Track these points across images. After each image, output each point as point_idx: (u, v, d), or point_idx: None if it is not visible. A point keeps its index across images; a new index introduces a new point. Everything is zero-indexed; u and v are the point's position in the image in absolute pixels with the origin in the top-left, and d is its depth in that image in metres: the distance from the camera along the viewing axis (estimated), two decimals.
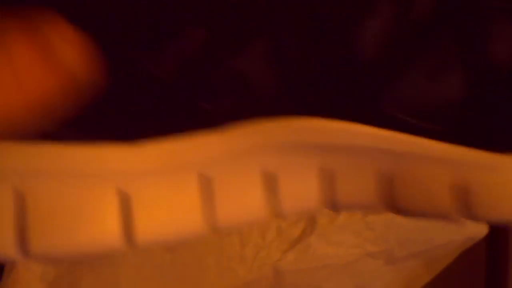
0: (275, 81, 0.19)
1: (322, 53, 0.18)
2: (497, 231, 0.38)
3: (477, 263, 0.41)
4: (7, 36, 0.16)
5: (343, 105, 0.20)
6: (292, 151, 0.21)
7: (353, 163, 0.21)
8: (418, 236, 0.38)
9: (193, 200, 0.21)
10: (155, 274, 0.37)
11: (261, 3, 0.18)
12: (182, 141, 0.20)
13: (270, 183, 0.22)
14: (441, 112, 0.20)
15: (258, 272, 0.38)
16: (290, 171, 0.22)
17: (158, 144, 0.20)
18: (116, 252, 0.20)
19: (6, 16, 0.17)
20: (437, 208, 0.21)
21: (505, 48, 0.19)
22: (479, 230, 0.38)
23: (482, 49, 0.19)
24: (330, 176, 0.22)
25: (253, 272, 0.38)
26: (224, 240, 0.37)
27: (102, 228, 0.19)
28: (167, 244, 0.20)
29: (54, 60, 0.16)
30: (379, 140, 0.20)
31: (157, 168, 0.20)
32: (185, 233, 0.21)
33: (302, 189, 0.22)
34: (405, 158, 0.21)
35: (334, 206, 0.22)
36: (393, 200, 0.22)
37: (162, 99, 0.19)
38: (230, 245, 0.37)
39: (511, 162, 0.20)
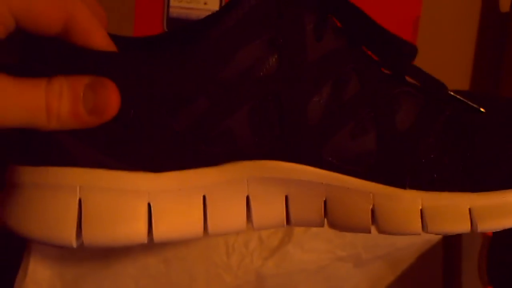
0: (253, 138, 0.27)
1: (283, 119, 0.27)
2: (451, 235, 0.42)
3: (435, 262, 0.44)
4: None
5: (297, 154, 0.28)
6: (265, 182, 0.28)
7: (304, 192, 0.29)
8: (382, 240, 0.43)
9: (196, 212, 0.28)
10: (151, 283, 0.41)
11: (249, 85, 0.26)
12: (192, 172, 0.28)
13: (249, 204, 0.29)
14: (360, 159, 0.28)
15: (242, 278, 0.42)
16: (262, 196, 0.29)
17: (174, 173, 0.27)
18: (139, 244, 0.26)
19: None
20: (359, 224, 0.28)
21: (406, 119, 0.28)
22: (436, 235, 0.41)
23: (389, 120, 0.28)
24: (289, 201, 0.29)
25: (239, 278, 0.42)
26: (211, 250, 0.41)
27: (134, 227, 0.26)
28: (175, 241, 0.27)
29: None
30: (320, 177, 0.28)
31: (173, 189, 0.27)
32: (188, 234, 0.27)
33: (271, 210, 0.29)
34: (337, 190, 0.28)
35: (290, 222, 0.29)
36: (330, 219, 0.29)
37: (177, 144, 0.26)
38: (217, 255, 0.41)
39: (404, 194, 0.28)
